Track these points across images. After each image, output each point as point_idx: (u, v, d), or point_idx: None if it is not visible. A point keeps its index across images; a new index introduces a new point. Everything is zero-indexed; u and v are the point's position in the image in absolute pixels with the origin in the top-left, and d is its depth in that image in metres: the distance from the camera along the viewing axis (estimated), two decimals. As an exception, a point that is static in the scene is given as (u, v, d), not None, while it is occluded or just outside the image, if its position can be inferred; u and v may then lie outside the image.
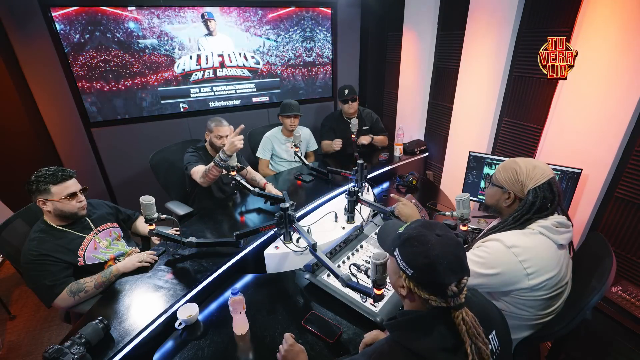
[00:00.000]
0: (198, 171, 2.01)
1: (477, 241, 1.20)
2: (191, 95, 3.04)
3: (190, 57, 2.92)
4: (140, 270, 1.53)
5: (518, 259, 1.04)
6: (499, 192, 1.18)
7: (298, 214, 1.92)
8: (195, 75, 3.00)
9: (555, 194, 1.11)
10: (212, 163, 1.94)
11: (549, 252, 1.07)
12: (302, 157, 2.46)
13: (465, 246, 1.37)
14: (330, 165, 2.51)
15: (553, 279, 1.07)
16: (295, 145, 2.40)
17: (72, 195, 1.49)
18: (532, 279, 1.04)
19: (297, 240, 1.61)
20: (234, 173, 2.03)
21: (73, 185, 1.51)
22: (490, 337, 0.80)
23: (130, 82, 2.78)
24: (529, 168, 1.12)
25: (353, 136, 2.61)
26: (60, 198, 1.46)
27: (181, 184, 2.29)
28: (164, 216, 1.53)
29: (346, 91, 2.76)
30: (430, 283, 0.73)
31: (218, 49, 3.00)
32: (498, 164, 1.96)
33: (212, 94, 3.12)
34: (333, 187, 2.26)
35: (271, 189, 2.17)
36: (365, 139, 2.82)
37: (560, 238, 1.09)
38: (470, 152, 2.07)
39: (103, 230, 1.67)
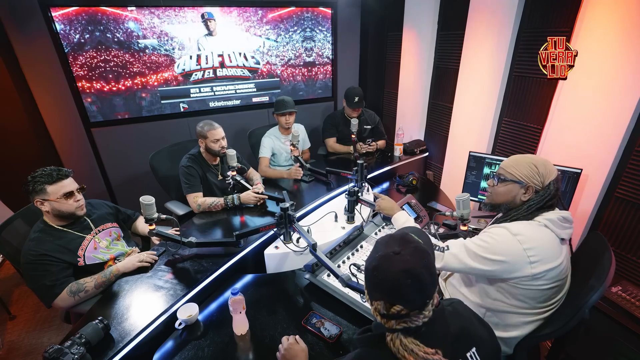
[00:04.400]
0: (196, 200, 2.01)
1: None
2: (191, 95, 3.04)
3: (190, 57, 2.92)
4: (140, 270, 1.53)
5: (522, 247, 1.07)
6: (515, 188, 1.19)
7: (298, 214, 1.92)
8: (195, 75, 3.00)
9: (558, 186, 1.17)
10: (221, 200, 1.98)
11: (552, 244, 1.10)
12: (301, 159, 2.46)
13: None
14: (330, 165, 2.51)
15: (555, 270, 1.09)
16: (293, 145, 2.39)
17: (69, 195, 1.49)
18: (535, 268, 1.07)
19: (297, 240, 1.61)
20: (234, 173, 2.04)
21: (69, 184, 1.50)
22: (469, 354, 0.79)
23: (130, 82, 2.78)
24: (542, 163, 1.17)
25: (353, 136, 2.62)
26: (56, 198, 1.45)
27: (181, 184, 2.29)
28: (164, 216, 1.53)
29: (356, 98, 2.77)
30: (366, 288, 0.78)
31: (218, 49, 3.00)
32: (498, 164, 1.96)
33: (212, 94, 3.12)
34: (332, 188, 2.26)
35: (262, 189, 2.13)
36: (364, 148, 2.84)
37: (564, 233, 1.13)
38: (470, 152, 2.07)
39: (103, 230, 1.66)
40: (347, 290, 1.32)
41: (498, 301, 1.18)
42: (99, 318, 1.16)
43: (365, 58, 3.72)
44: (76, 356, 1.02)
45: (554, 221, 1.11)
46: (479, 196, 2.07)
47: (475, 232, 1.75)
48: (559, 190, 1.17)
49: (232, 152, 2.01)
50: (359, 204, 1.85)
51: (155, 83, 2.87)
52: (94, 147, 2.84)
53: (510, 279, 1.12)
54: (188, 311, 1.25)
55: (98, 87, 2.69)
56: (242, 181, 2.07)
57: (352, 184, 1.98)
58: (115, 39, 2.63)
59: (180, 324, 1.24)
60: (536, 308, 1.15)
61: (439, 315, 0.76)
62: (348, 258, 1.54)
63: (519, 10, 2.02)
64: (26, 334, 2.19)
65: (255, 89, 3.30)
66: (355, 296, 1.31)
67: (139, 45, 2.72)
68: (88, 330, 1.11)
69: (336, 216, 1.86)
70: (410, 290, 0.70)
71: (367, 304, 1.26)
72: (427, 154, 3.07)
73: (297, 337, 1.13)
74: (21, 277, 1.57)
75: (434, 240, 1.28)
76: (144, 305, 1.34)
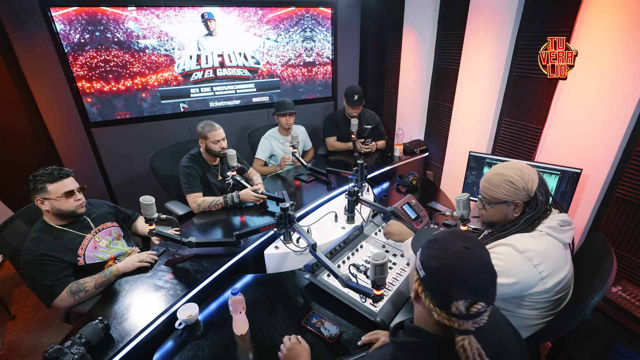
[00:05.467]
0: (195, 200, 2.01)
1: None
2: (191, 95, 3.04)
3: (190, 57, 2.92)
4: (140, 270, 1.53)
5: (532, 263, 1.04)
6: (504, 208, 1.16)
7: (298, 214, 1.92)
8: (195, 75, 2.99)
9: (547, 188, 1.14)
10: (220, 199, 1.98)
11: (558, 253, 1.08)
12: (300, 158, 2.46)
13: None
14: (330, 165, 2.51)
15: (564, 279, 1.08)
16: (293, 146, 2.39)
17: (70, 194, 1.49)
18: (547, 283, 1.05)
19: (297, 240, 1.61)
20: (234, 173, 2.04)
21: (70, 183, 1.51)
22: None
23: (130, 82, 2.78)
24: (518, 173, 1.12)
25: (353, 136, 2.63)
26: (57, 196, 1.46)
27: (181, 184, 2.29)
28: (164, 216, 1.53)
29: (356, 96, 2.79)
30: (435, 290, 0.68)
31: (218, 49, 3.00)
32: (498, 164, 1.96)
33: (212, 94, 3.12)
34: (333, 187, 2.26)
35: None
36: (363, 148, 2.85)
37: (566, 237, 1.11)
38: (470, 152, 2.07)
39: (103, 229, 1.66)
40: (347, 290, 1.32)
41: (504, 310, 1.16)
42: (99, 318, 1.16)
43: (365, 58, 3.71)
44: (76, 356, 1.02)
45: (555, 228, 1.09)
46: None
47: (475, 232, 1.75)
48: (548, 191, 1.14)
49: (232, 152, 2.01)
50: (359, 204, 1.85)
51: (155, 83, 2.87)
52: (94, 147, 2.84)
53: (523, 296, 1.10)
54: (188, 311, 1.25)
55: (98, 87, 2.69)
56: (242, 181, 2.07)
57: (352, 184, 1.98)
58: (115, 39, 2.63)
59: (180, 324, 1.24)
60: (542, 315, 1.13)
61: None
62: (348, 258, 1.53)
63: (519, 10, 2.02)
64: (26, 334, 2.19)
65: (255, 89, 3.30)
66: (355, 296, 1.30)
67: (139, 45, 2.72)
68: (88, 330, 1.11)
69: (336, 216, 1.86)
70: (489, 284, 0.68)
71: (367, 305, 1.27)
72: (427, 154, 3.07)
73: (299, 336, 1.13)
74: (21, 277, 1.57)
75: None
76: (144, 305, 1.34)
